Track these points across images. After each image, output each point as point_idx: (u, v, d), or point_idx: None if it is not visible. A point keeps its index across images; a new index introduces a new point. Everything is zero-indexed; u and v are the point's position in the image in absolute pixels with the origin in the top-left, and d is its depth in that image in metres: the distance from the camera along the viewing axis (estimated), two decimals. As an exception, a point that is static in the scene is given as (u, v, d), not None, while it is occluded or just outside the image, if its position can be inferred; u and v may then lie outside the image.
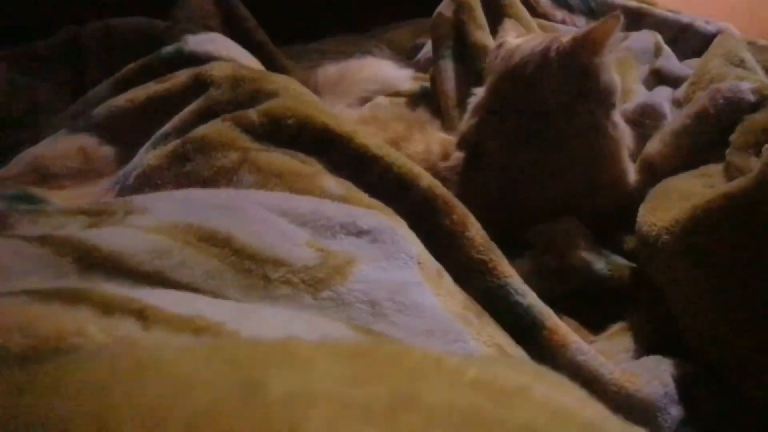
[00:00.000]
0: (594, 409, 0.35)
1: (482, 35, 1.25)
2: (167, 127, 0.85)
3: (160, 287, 0.49)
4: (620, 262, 0.90)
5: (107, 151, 0.90)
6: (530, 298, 0.71)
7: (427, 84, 1.40)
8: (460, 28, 1.29)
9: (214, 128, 0.78)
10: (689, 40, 1.41)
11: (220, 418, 0.27)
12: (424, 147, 1.03)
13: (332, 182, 0.72)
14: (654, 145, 0.98)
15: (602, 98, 0.94)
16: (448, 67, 1.28)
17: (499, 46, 1.04)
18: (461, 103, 1.19)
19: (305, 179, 0.71)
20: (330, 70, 1.35)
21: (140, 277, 0.49)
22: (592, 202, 0.95)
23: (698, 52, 1.24)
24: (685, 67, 1.18)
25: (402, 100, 1.37)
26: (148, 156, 0.80)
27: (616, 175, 0.96)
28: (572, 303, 0.82)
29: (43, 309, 0.38)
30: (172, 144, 0.79)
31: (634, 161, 0.99)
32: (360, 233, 0.64)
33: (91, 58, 1.29)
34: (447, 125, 1.20)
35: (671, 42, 1.32)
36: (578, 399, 0.36)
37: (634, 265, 0.88)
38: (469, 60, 1.26)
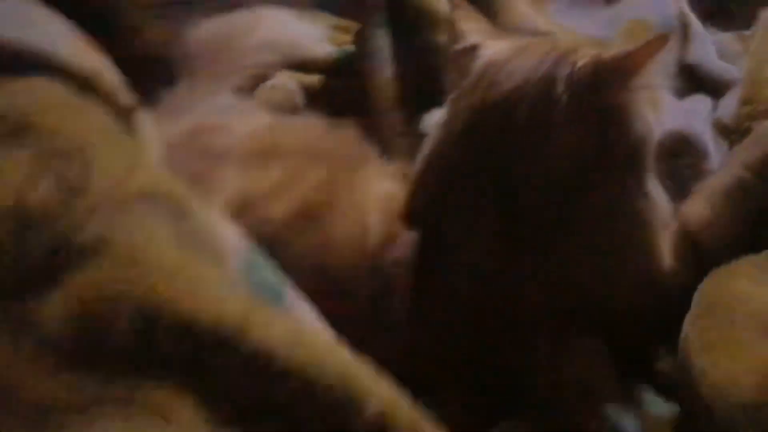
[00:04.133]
0: None
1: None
2: None
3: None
4: (658, 413, 0.60)
5: None
6: None
7: (349, 43, 0.97)
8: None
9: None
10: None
11: None
12: (354, 221, 0.65)
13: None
14: (696, 209, 0.66)
15: (634, 157, 0.61)
16: (380, 44, 0.86)
17: (468, 50, 0.66)
18: (404, 106, 0.81)
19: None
20: (205, 32, 0.92)
21: None
22: (611, 306, 0.63)
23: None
24: (730, 66, 0.82)
25: (314, 81, 0.95)
26: None
27: (647, 267, 0.64)
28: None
29: None
30: None
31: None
32: None
33: None
34: (384, 143, 0.81)
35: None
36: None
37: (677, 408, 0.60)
38: (414, 35, 0.85)
